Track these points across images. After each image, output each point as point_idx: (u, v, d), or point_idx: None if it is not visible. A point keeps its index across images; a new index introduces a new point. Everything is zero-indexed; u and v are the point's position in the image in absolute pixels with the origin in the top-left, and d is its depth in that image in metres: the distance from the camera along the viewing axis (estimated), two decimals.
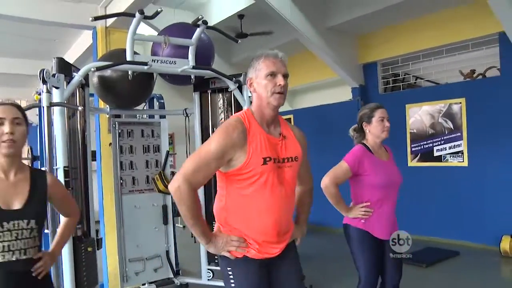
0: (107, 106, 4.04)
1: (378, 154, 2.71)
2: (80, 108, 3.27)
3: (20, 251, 1.70)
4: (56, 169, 3.17)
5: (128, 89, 3.81)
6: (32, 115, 6.65)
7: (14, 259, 1.69)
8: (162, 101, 5.00)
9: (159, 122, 4.41)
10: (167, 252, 4.36)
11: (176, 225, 5.03)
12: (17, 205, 1.71)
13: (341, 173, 2.64)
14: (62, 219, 2.03)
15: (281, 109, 1.96)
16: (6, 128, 1.69)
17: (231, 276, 1.88)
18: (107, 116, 4.13)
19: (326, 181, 2.62)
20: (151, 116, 4.62)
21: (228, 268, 1.88)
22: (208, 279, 4.28)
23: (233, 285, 1.88)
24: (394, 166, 2.79)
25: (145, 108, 4.61)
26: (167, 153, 4.36)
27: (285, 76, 1.85)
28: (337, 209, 2.71)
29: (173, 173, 4.39)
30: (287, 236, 1.93)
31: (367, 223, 2.66)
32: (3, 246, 1.66)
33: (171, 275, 4.36)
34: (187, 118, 4.44)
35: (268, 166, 1.80)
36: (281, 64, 1.85)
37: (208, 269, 4.29)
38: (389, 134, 2.70)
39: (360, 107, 6.58)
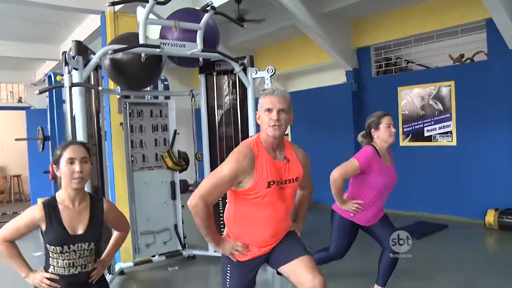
0: (118, 87, 4.25)
1: (384, 158, 3.01)
2: (100, 88, 3.46)
3: (81, 266, 2.05)
4: None
5: (139, 71, 4.02)
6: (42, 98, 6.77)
7: (76, 272, 2.05)
8: (166, 83, 5.21)
9: (166, 102, 4.61)
10: (175, 226, 4.62)
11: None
12: (80, 230, 2.03)
13: (351, 170, 2.93)
14: (115, 233, 2.34)
15: None
16: (76, 167, 1.98)
17: (228, 272, 2.26)
18: (118, 97, 4.33)
19: (335, 175, 2.91)
20: (156, 97, 4.82)
21: (228, 266, 2.26)
22: (215, 251, 4.55)
23: (228, 280, 2.26)
24: (394, 170, 3.09)
25: (150, 89, 4.81)
26: (175, 132, 4.59)
27: (282, 111, 2.09)
28: (335, 198, 3.03)
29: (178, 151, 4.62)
30: (281, 236, 2.29)
31: (355, 216, 3.04)
32: (69, 263, 2.02)
33: (179, 248, 4.63)
34: (193, 99, 4.68)
35: (272, 189, 2.14)
36: (277, 100, 2.10)
37: None
38: (395, 139, 3.00)
39: (354, 89, 6.89)
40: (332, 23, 6.59)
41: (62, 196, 2.04)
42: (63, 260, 2.00)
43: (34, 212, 2.00)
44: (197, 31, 3.92)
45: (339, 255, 3.21)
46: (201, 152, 4.77)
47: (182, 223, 4.67)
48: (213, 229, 2.17)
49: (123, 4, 4.51)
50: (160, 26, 4.13)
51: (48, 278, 2.00)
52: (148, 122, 4.44)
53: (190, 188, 8.73)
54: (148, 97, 4.63)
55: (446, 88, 5.99)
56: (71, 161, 1.99)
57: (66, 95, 3.29)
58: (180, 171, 4.65)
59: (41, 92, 3.36)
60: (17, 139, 5.67)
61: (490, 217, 5.31)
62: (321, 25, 6.40)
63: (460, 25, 5.82)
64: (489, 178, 5.64)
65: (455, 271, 3.92)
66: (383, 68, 7.03)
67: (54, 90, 4.49)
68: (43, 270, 2.05)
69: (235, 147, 4.38)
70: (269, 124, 2.09)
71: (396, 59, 7.05)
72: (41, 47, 6.72)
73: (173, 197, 4.59)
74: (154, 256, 4.44)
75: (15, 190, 10.18)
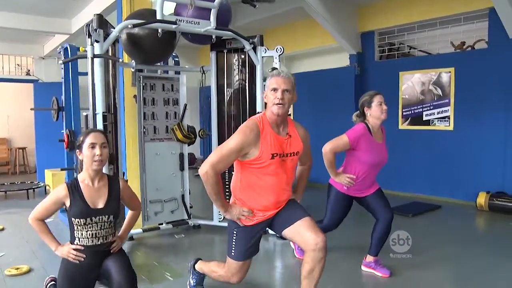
0: (132, 61, 4.42)
1: (375, 135, 3.24)
2: (120, 59, 3.64)
3: (102, 237, 2.38)
4: (96, 114, 3.58)
5: (154, 46, 4.19)
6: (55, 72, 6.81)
7: (99, 243, 2.37)
8: (177, 59, 5.38)
9: (178, 77, 4.79)
10: (183, 196, 4.85)
11: None
12: (100, 204, 2.36)
13: (341, 144, 3.20)
14: (129, 212, 2.67)
15: None
16: (97, 151, 2.32)
17: (234, 236, 2.55)
18: (132, 70, 4.50)
19: (327, 148, 3.19)
20: (165, 72, 4.99)
21: (234, 229, 2.54)
22: (219, 221, 4.81)
23: (234, 241, 2.55)
24: (384, 148, 3.32)
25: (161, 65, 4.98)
26: (185, 106, 4.78)
27: (286, 91, 2.36)
28: (328, 172, 3.29)
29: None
30: (283, 203, 2.56)
31: (347, 189, 3.29)
32: (92, 234, 2.34)
33: (186, 217, 4.87)
34: (203, 75, 4.86)
35: (275, 160, 2.41)
36: (282, 81, 2.37)
37: (219, 212, 4.80)
38: (387, 116, 3.21)
39: (357, 73, 7.07)
40: (339, 7, 6.73)
41: (83, 177, 2.38)
42: (86, 232, 2.32)
43: (59, 191, 2.34)
44: (211, 9, 4.09)
45: (333, 226, 3.46)
46: (205, 129, 4.97)
47: (189, 193, 4.91)
48: (221, 196, 2.44)
49: None
50: (171, 4, 4.28)
51: (74, 249, 2.32)
52: (160, 95, 4.63)
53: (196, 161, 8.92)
54: (161, 72, 4.82)
55: (446, 75, 6.19)
56: (92, 145, 2.32)
57: (88, 66, 3.47)
58: (188, 144, 4.86)
59: (64, 62, 3.55)
60: (32, 109, 5.84)
61: (482, 199, 5.57)
62: (328, 9, 6.54)
63: (463, 13, 5.97)
64: (481, 162, 5.89)
65: (446, 247, 4.16)
66: (386, 53, 7.20)
67: (70, 62, 4.66)
68: (70, 243, 2.37)
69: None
70: (274, 102, 2.36)
71: (399, 45, 7.21)
72: (52, 20, 6.82)
73: (182, 168, 4.81)
74: (162, 224, 4.68)
75: (20, 162, 10.38)
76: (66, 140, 4.57)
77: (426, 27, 6.52)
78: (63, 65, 4.82)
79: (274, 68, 4.43)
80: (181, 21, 3.94)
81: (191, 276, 3.11)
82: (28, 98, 9.93)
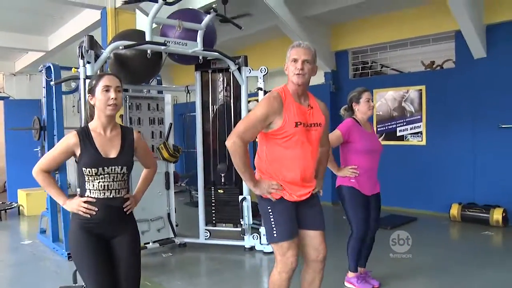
0: None
1: (364, 126, 3.40)
2: None
3: (115, 190, 2.16)
4: None
5: (141, 67, 4.25)
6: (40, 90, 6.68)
7: (111, 196, 2.15)
8: (159, 78, 5.42)
9: (163, 97, 4.84)
10: (168, 215, 4.86)
11: None
12: (112, 154, 2.16)
13: (335, 139, 3.27)
14: (144, 171, 2.49)
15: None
16: (112, 94, 2.12)
17: (271, 213, 2.46)
18: None
19: None
20: (148, 91, 5.01)
21: (268, 207, 2.46)
22: (206, 238, 4.84)
23: (272, 220, 2.46)
24: (375, 136, 3.51)
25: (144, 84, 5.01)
26: (170, 125, 4.82)
27: (306, 61, 2.38)
28: (330, 167, 3.28)
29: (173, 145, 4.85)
30: (310, 185, 2.51)
31: (356, 182, 3.34)
32: (104, 186, 2.12)
33: (172, 235, 4.87)
34: (188, 94, 4.93)
35: (299, 129, 2.38)
36: (302, 52, 2.39)
37: (206, 229, 4.84)
38: (373, 113, 3.37)
39: (332, 90, 7.26)
40: (313, 27, 6.97)
41: (95, 125, 2.17)
42: (98, 183, 2.11)
43: (69, 139, 2.12)
44: (197, 31, 4.19)
45: (362, 232, 3.32)
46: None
47: (175, 212, 4.93)
48: (249, 168, 2.39)
49: (129, 3, 4.75)
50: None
51: (85, 202, 2.11)
52: (145, 115, 4.66)
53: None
54: (145, 91, 4.85)
55: (418, 92, 6.50)
56: (107, 88, 2.12)
57: (80, 87, 3.48)
58: (173, 163, 4.89)
59: (56, 83, 3.54)
60: (12, 129, 5.70)
61: (454, 210, 5.85)
62: (303, 28, 6.75)
63: (432, 35, 6.33)
64: (453, 175, 6.19)
65: (425, 257, 4.35)
66: (360, 71, 7.48)
67: (51, 81, 4.63)
68: (80, 197, 2.15)
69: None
70: (294, 72, 2.38)
71: (372, 63, 7.51)
72: (29, 37, 6.72)
73: (167, 187, 4.83)
74: (148, 243, 4.65)
75: None
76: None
77: (397, 46, 6.84)
78: (45, 84, 4.76)
79: (259, 88, 4.57)
80: (169, 42, 4.02)
81: None
82: None
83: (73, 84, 5.58)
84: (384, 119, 6.89)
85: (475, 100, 5.92)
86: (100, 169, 2.11)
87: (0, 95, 9.00)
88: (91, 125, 2.18)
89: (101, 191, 2.13)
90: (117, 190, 2.16)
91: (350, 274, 3.48)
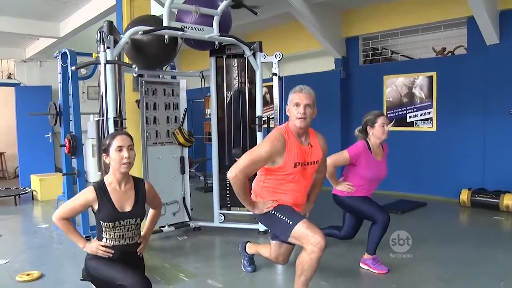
0: (134, 66, 4.46)
1: (375, 153, 3.48)
2: (134, 66, 3.71)
3: (129, 238, 2.41)
4: (107, 119, 3.63)
5: (159, 52, 4.28)
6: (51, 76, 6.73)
7: (125, 243, 2.40)
8: (173, 63, 5.45)
9: (178, 82, 4.88)
10: (184, 199, 4.94)
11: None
12: (128, 208, 2.38)
13: (341, 160, 3.45)
14: (151, 211, 2.71)
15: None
16: (125, 154, 2.31)
17: (275, 213, 2.67)
18: (134, 75, 4.56)
19: (328, 162, 3.33)
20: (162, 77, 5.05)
21: (271, 211, 2.68)
22: (220, 222, 4.92)
23: (279, 215, 2.64)
24: (384, 164, 3.56)
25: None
26: (185, 110, 4.87)
27: (307, 106, 2.57)
28: (329, 181, 3.52)
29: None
30: (300, 208, 2.82)
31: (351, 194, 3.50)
32: (119, 235, 2.37)
33: (187, 219, 4.95)
34: (202, 79, 4.97)
35: (297, 169, 2.63)
36: (304, 97, 2.58)
37: (220, 213, 4.92)
38: (387, 137, 3.45)
39: (342, 76, 7.30)
40: (325, 13, 6.95)
41: (110, 180, 2.38)
42: (114, 233, 2.35)
43: (88, 194, 2.34)
44: (213, 16, 4.22)
45: (386, 217, 3.41)
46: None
47: (190, 195, 5.00)
48: (249, 195, 2.68)
49: None
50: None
51: (102, 245, 2.35)
52: (161, 100, 4.70)
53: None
54: (161, 77, 4.89)
55: (429, 78, 6.52)
56: (120, 148, 2.31)
57: (101, 72, 3.53)
58: (188, 148, 4.95)
59: (77, 68, 3.59)
60: (30, 114, 5.77)
61: (464, 196, 5.90)
62: (314, 14, 6.74)
63: (444, 21, 6.31)
64: (463, 161, 6.24)
65: (436, 241, 4.42)
66: (370, 57, 7.48)
67: (67, 67, 4.68)
68: (97, 240, 2.40)
69: (243, 127, 4.76)
70: (297, 116, 2.57)
71: (382, 50, 7.50)
72: (40, 24, 6.73)
73: (182, 171, 4.89)
74: (164, 226, 4.74)
75: None
76: (67, 145, 4.56)
77: (408, 33, 6.84)
78: (60, 70, 4.81)
79: (274, 74, 4.60)
80: (186, 27, 4.05)
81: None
82: (6, 102, 9.73)
83: (83, 71, 5.61)
84: (394, 105, 6.92)
85: (487, 86, 5.93)
86: (117, 222, 2.33)
87: (11, 82, 9.07)
88: (107, 180, 2.40)
89: (116, 240, 2.38)
90: (131, 238, 2.42)
91: (367, 256, 3.55)
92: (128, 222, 2.37)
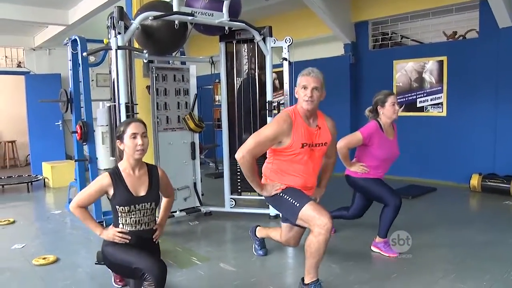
0: (145, 51, 4.47)
1: (387, 132, 3.48)
2: (145, 51, 3.71)
3: (145, 223, 2.48)
4: (118, 105, 3.65)
5: (169, 37, 4.28)
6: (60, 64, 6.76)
7: (141, 229, 2.47)
8: (182, 49, 5.45)
9: (188, 68, 4.87)
10: (194, 184, 4.97)
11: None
12: (142, 192, 2.44)
13: (355, 141, 3.45)
14: (164, 200, 2.77)
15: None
16: (139, 141, 2.38)
17: (284, 195, 2.70)
18: (144, 61, 4.55)
19: (341, 144, 3.40)
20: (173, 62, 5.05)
21: (280, 194, 2.72)
22: (231, 207, 4.96)
23: (287, 197, 2.68)
24: (395, 144, 3.56)
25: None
26: (195, 96, 4.88)
27: (315, 88, 2.60)
28: (343, 163, 3.52)
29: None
30: (311, 192, 2.83)
31: (364, 175, 3.50)
32: (135, 220, 2.43)
33: (198, 204, 5.00)
34: (212, 65, 4.96)
35: (304, 149, 2.66)
36: (312, 80, 2.61)
37: (231, 198, 4.95)
38: (398, 116, 3.45)
39: (351, 61, 7.24)
40: None
41: (124, 166, 2.45)
42: (130, 218, 2.41)
43: (103, 180, 2.40)
44: (223, 1, 4.20)
45: (398, 200, 3.43)
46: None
47: (201, 181, 5.04)
48: (257, 177, 2.70)
49: None
50: None
51: (119, 232, 2.41)
52: (171, 86, 4.70)
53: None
54: (171, 62, 4.89)
55: (439, 63, 6.45)
56: (134, 136, 2.37)
57: (112, 57, 3.54)
58: (198, 133, 4.97)
59: (89, 54, 3.60)
60: (42, 101, 5.81)
61: (475, 181, 5.88)
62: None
63: (455, 4, 6.20)
64: (474, 146, 6.20)
65: (447, 226, 4.42)
66: (380, 42, 7.41)
67: (77, 54, 4.70)
68: (113, 227, 2.46)
69: (253, 113, 4.76)
70: (304, 99, 2.61)
71: (392, 34, 7.43)
72: (49, 11, 6.71)
73: (193, 157, 4.92)
74: (175, 211, 4.78)
75: (9, 156, 10.24)
76: (79, 131, 4.60)
77: (418, 17, 6.75)
78: (71, 57, 4.83)
79: (284, 59, 4.58)
80: (196, 12, 4.03)
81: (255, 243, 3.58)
82: (16, 91, 9.80)
83: (92, 58, 5.62)
84: (404, 91, 6.87)
85: (499, 70, 5.85)
86: (132, 206, 2.39)
87: (21, 70, 9.12)
88: (121, 165, 2.46)
89: (133, 225, 2.44)
90: (147, 223, 2.48)
91: (378, 239, 3.57)
92: (143, 207, 2.43)
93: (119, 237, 2.40)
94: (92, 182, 2.50)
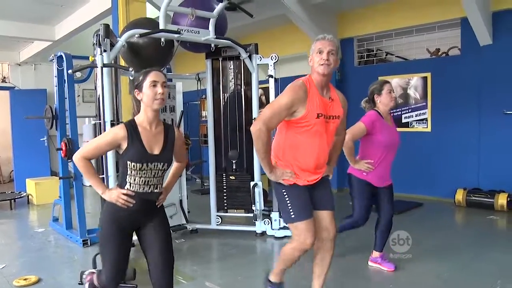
0: (131, 69, 4.46)
1: (386, 119, 3.48)
2: (130, 69, 3.71)
3: (154, 185, 2.25)
4: (104, 122, 3.63)
5: (155, 55, 4.27)
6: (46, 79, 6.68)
7: (149, 191, 2.24)
8: (168, 66, 5.45)
9: (174, 85, 4.88)
10: (181, 201, 4.94)
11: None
12: (156, 151, 2.22)
13: (358, 131, 3.39)
14: (174, 164, 2.53)
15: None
16: (159, 89, 2.17)
17: (286, 196, 2.61)
18: (131, 78, 4.54)
19: (346, 138, 3.29)
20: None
21: (283, 190, 2.61)
22: (217, 224, 4.93)
23: (288, 202, 2.60)
24: (396, 131, 3.60)
25: None
26: (182, 113, 4.88)
27: (331, 52, 2.48)
28: (348, 159, 3.48)
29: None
30: (321, 171, 2.67)
31: (368, 175, 3.48)
32: (144, 181, 2.21)
33: (184, 222, 4.95)
34: (199, 82, 4.98)
35: (319, 120, 2.51)
36: (327, 44, 2.49)
37: (217, 215, 4.92)
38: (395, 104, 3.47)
39: (337, 78, 7.29)
40: (319, 14, 6.98)
41: (141, 119, 2.23)
42: (139, 178, 2.19)
43: (118, 131, 2.17)
44: (209, 19, 4.23)
45: (362, 220, 3.54)
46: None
47: (187, 198, 5.00)
48: (269, 154, 2.54)
49: None
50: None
51: (124, 194, 2.19)
52: None
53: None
54: None
55: (423, 79, 6.56)
56: (154, 84, 2.17)
57: (98, 75, 3.53)
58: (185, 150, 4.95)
59: (75, 71, 3.58)
60: (27, 117, 5.74)
61: (459, 195, 5.95)
62: (310, 16, 6.77)
63: (438, 22, 6.36)
64: (458, 161, 6.28)
65: (435, 240, 4.46)
66: (365, 59, 7.52)
67: (63, 70, 4.67)
68: (119, 187, 2.23)
69: (239, 129, 4.73)
70: (320, 63, 2.48)
71: (377, 51, 7.54)
72: (35, 27, 6.71)
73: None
74: None
75: None
76: (64, 148, 4.55)
77: (403, 34, 6.88)
78: (56, 74, 4.80)
79: (270, 76, 4.62)
80: (182, 30, 4.05)
81: None
82: (0, 106, 9.67)
83: (78, 74, 5.59)
84: None
85: (481, 86, 5.98)
86: (145, 164, 2.18)
87: (6, 85, 9.03)
88: (137, 119, 2.24)
89: (141, 186, 2.22)
90: (155, 185, 2.26)
91: (375, 254, 3.62)
92: (155, 166, 2.22)
93: (123, 199, 2.19)
94: (104, 133, 2.28)
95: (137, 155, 2.17)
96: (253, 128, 2.44)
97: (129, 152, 2.17)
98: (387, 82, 3.52)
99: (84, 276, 2.94)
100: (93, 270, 2.90)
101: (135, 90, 2.23)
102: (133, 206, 2.22)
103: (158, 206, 2.35)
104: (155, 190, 2.27)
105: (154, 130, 2.25)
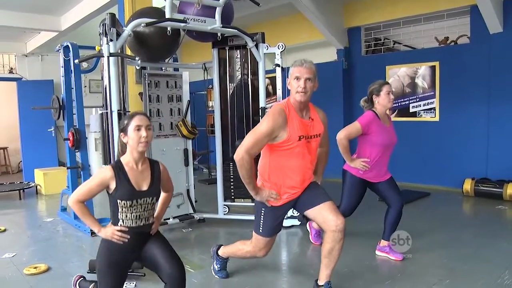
0: (137, 58, 4.46)
1: (383, 120, 3.49)
2: (137, 58, 3.70)
3: (145, 218, 2.39)
4: (111, 112, 3.63)
5: (162, 44, 4.26)
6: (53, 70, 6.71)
7: (141, 224, 2.38)
8: (175, 56, 5.44)
9: (181, 74, 4.87)
10: (188, 191, 4.95)
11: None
12: (144, 187, 2.36)
13: (354, 131, 3.43)
14: (162, 194, 2.64)
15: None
16: (143, 133, 2.30)
17: (262, 215, 2.78)
18: (137, 67, 4.55)
19: (341, 135, 3.41)
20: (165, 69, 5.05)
21: (263, 208, 2.78)
22: (224, 214, 4.94)
23: (262, 219, 2.79)
24: (393, 130, 3.59)
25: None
26: (188, 102, 4.86)
27: (308, 79, 2.55)
28: (344, 157, 3.51)
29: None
30: (307, 183, 2.79)
31: (363, 174, 3.50)
32: (136, 216, 2.35)
33: (191, 211, 4.97)
34: (205, 71, 4.96)
35: (301, 142, 2.62)
36: (305, 71, 2.56)
37: (224, 205, 4.93)
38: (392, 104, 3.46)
39: (344, 67, 7.28)
40: (326, 3, 6.93)
41: (127, 159, 2.36)
42: (131, 213, 2.33)
43: (106, 173, 2.30)
44: (215, 7, 4.20)
45: (348, 212, 3.62)
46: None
47: (194, 188, 5.01)
48: (254, 179, 2.65)
49: None
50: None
51: (118, 230, 2.33)
52: (164, 92, 4.69)
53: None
54: (164, 69, 4.88)
55: (431, 68, 6.49)
56: (138, 128, 2.30)
57: (104, 64, 3.52)
58: (192, 140, 4.96)
59: (81, 61, 3.58)
60: (34, 108, 5.77)
61: (467, 185, 5.91)
62: (317, 5, 6.72)
63: (447, 10, 6.26)
64: (467, 151, 6.24)
65: (442, 230, 4.44)
66: (372, 48, 7.45)
67: (69, 60, 4.67)
68: (112, 225, 2.37)
69: (246, 119, 4.74)
70: (297, 90, 2.56)
71: (384, 40, 7.47)
72: (41, 17, 6.70)
73: (186, 163, 4.90)
74: (169, 218, 4.75)
75: (1, 162, 10.15)
76: (71, 138, 4.57)
77: (410, 22, 6.79)
78: (63, 64, 4.80)
79: (277, 65, 4.59)
80: (188, 19, 4.03)
81: (214, 261, 3.35)
82: (8, 97, 9.74)
83: (85, 64, 5.59)
84: (396, 96, 6.89)
85: (490, 75, 5.90)
86: (134, 201, 2.32)
87: (13, 76, 9.07)
88: (124, 159, 2.38)
89: (133, 220, 2.35)
90: (146, 218, 2.40)
91: (383, 243, 3.63)
92: (145, 201, 2.36)
93: (118, 236, 2.32)
94: (93, 176, 2.39)
95: (126, 193, 2.30)
96: (236, 157, 2.56)
97: (118, 191, 2.30)
98: (387, 83, 3.51)
99: (75, 277, 3.09)
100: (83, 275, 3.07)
101: (121, 133, 2.36)
102: (128, 241, 2.34)
103: (153, 234, 2.48)
104: (147, 222, 2.41)
105: (140, 167, 2.38)
